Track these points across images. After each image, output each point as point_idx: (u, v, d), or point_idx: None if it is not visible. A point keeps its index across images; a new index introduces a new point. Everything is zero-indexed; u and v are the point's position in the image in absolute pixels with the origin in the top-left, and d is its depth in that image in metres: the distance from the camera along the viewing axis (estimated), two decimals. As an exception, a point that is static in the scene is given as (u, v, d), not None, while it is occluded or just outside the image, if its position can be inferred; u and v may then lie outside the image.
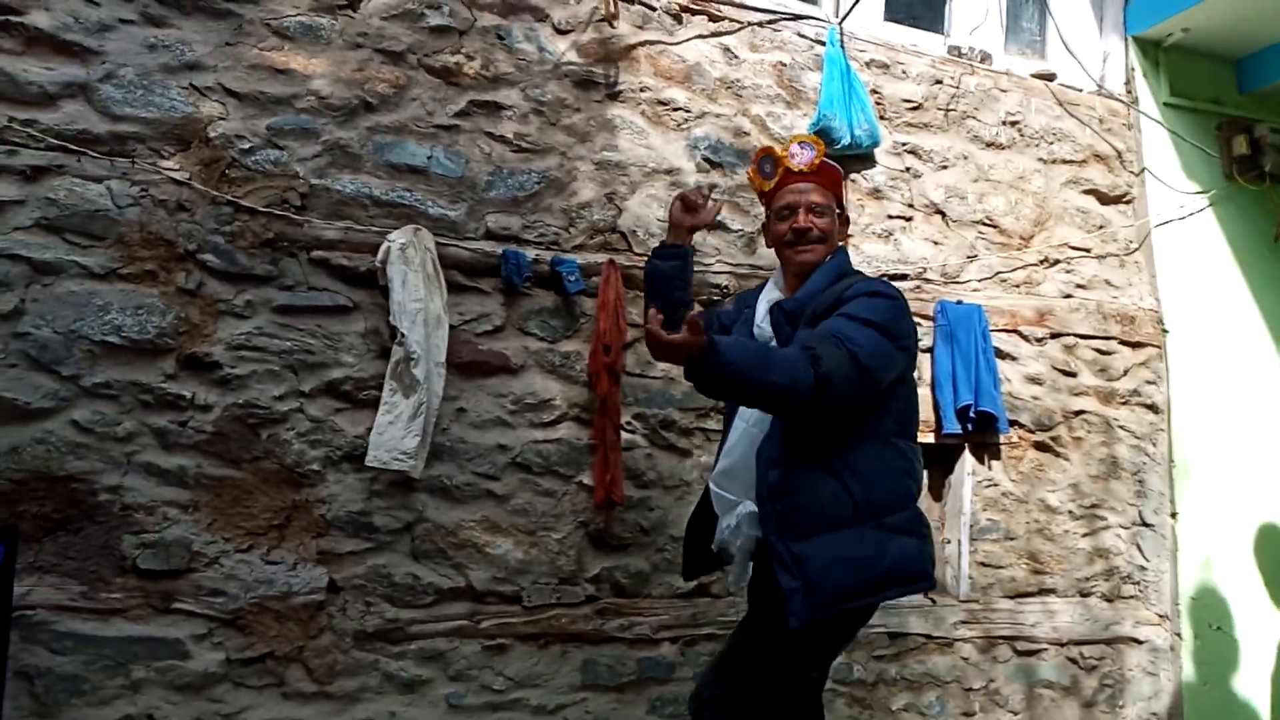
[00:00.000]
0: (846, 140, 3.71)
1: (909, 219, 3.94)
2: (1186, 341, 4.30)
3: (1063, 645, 3.97)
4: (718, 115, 3.67)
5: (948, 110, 4.07)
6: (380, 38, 3.21)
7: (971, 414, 3.73)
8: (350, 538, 3.02)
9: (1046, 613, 3.95)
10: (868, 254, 3.82)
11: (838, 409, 2.10)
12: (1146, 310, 4.28)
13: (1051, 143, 4.25)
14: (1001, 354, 3.95)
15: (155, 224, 2.89)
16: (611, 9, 3.45)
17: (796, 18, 3.89)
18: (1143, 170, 4.37)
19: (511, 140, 3.34)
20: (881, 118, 3.89)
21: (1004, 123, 4.17)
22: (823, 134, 3.69)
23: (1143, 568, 4.14)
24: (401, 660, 3.04)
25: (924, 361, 3.82)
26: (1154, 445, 4.23)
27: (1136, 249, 4.34)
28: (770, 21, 3.84)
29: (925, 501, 3.96)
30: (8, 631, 2.43)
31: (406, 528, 3.08)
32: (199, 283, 2.92)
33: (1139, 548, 4.15)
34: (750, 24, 3.79)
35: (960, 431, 3.75)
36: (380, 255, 3.04)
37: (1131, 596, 4.11)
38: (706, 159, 3.61)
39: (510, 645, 3.16)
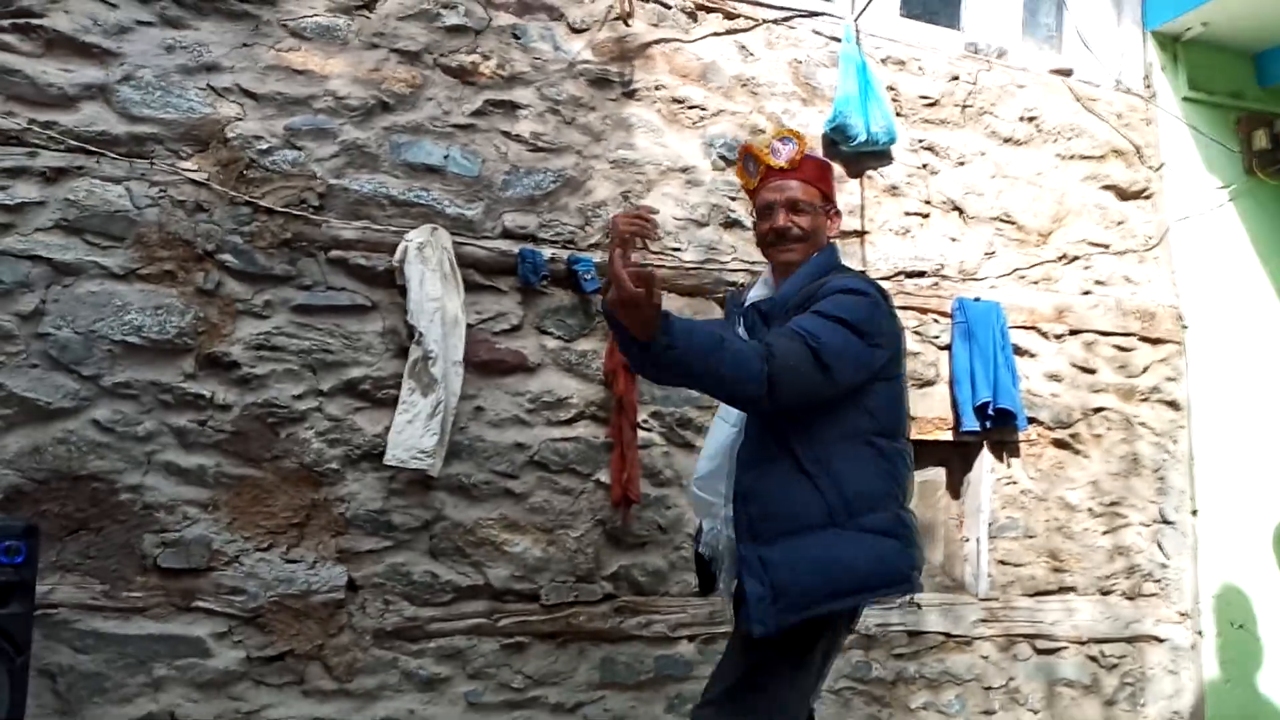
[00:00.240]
0: (863, 137, 3.69)
1: (926, 216, 3.92)
2: (1207, 337, 4.27)
3: (1083, 643, 3.94)
4: (733, 113, 3.66)
5: (965, 106, 4.05)
6: (396, 38, 3.22)
7: (990, 411, 3.71)
8: (369, 536, 3.03)
9: (1066, 611, 3.92)
10: (885, 251, 3.81)
11: (791, 404, 2.01)
12: (1166, 306, 4.24)
13: (1070, 138, 4.21)
14: (1020, 351, 3.92)
15: (174, 224, 2.90)
16: (627, 7, 3.46)
17: (812, 15, 3.87)
18: (1162, 165, 4.33)
19: (528, 139, 3.34)
20: (898, 114, 3.87)
21: (1022, 119, 4.14)
22: (839, 131, 3.69)
23: (1164, 565, 4.11)
24: (420, 658, 3.05)
25: (942, 358, 3.82)
26: (1174, 442, 4.19)
27: (1156, 244, 4.30)
28: (785, 19, 3.82)
29: (944, 499, 3.94)
30: (30, 630, 2.44)
31: (425, 526, 3.09)
32: (218, 283, 2.94)
33: (1160, 545, 4.11)
34: (765, 21, 3.78)
35: (979, 429, 3.73)
36: (398, 254, 3.05)
37: (1152, 594, 4.08)
38: (722, 157, 3.60)
39: (528, 643, 3.17)
